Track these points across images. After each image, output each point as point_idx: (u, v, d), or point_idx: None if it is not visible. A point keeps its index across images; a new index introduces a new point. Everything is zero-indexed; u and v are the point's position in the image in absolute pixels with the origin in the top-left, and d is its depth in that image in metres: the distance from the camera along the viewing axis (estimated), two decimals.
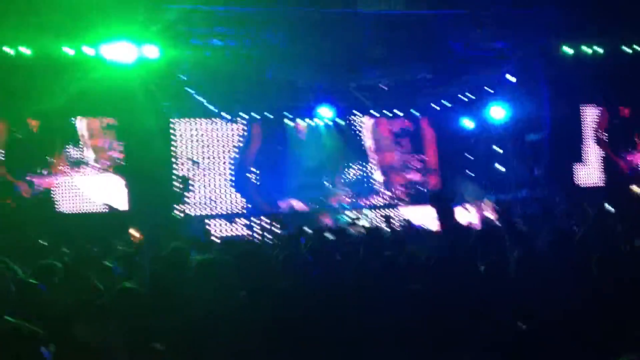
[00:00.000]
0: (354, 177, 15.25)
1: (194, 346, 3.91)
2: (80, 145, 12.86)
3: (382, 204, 15.25)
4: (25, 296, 4.48)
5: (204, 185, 14.16)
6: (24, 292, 4.55)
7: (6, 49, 10.50)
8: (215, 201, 14.19)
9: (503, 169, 15.21)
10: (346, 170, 15.11)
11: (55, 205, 12.60)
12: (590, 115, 15.26)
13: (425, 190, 15.65)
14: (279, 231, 12.11)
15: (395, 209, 14.87)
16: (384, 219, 14.12)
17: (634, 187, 10.80)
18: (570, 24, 12.82)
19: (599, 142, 15.19)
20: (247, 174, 14.43)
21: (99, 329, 3.70)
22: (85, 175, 12.87)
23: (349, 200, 14.88)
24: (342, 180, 14.99)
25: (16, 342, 2.84)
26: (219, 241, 10.69)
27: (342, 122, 15.25)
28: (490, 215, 14.69)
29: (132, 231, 11.13)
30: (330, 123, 15.13)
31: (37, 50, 10.58)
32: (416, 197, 15.35)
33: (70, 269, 5.37)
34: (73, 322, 3.72)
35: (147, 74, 11.23)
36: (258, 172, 14.45)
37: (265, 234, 12.61)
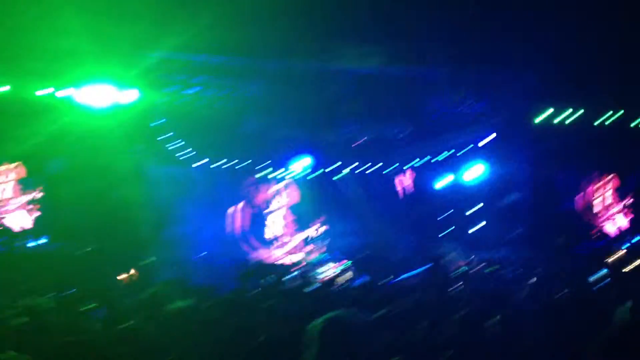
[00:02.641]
0: (329, 230, 15.08)
1: None
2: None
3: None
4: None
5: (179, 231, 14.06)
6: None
7: None
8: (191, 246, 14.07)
9: (478, 227, 15.19)
10: (320, 223, 14.95)
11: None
12: (573, 179, 15.31)
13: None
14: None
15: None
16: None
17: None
18: (550, 89, 12.98)
19: (584, 206, 15.18)
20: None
21: None
22: None
23: (322, 254, 14.73)
24: (316, 233, 14.85)
25: None
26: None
27: (317, 175, 15.21)
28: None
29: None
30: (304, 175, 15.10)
31: (10, 92, 10.63)
32: None
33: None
34: None
35: (122, 118, 11.26)
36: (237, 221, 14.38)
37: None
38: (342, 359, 3.39)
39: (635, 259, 13.11)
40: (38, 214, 12.59)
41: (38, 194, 12.46)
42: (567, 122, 13.70)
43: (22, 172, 12.38)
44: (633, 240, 14.28)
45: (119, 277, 11.22)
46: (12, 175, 12.23)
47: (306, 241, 14.61)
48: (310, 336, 3.48)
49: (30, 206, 12.47)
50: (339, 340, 3.41)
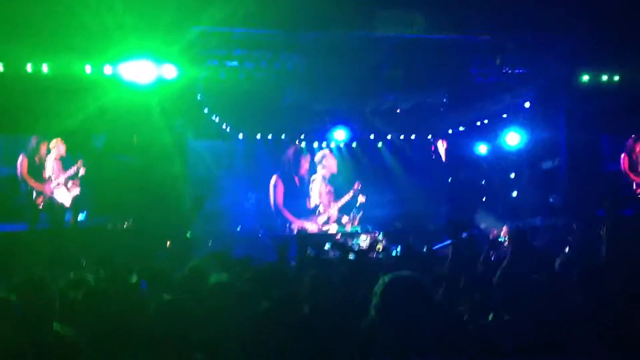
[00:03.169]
0: (367, 200, 15.04)
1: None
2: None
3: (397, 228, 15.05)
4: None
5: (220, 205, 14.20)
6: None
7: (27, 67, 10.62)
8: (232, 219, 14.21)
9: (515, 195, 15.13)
10: (357, 193, 14.90)
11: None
12: (612, 143, 15.09)
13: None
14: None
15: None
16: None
17: None
18: (589, 52, 12.80)
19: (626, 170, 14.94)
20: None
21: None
22: None
23: (360, 224, 14.71)
24: (354, 204, 14.81)
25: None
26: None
27: (355, 145, 15.23)
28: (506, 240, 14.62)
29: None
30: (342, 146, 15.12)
31: (55, 69, 10.68)
32: None
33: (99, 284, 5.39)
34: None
35: (163, 94, 11.31)
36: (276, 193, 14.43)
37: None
38: (405, 317, 3.48)
39: None
40: (79, 190, 12.69)
41: (81, 171, 12.53)
42: (608, 85, 13.47)
43: (65, 148, 12.48)
44: None
45: (159, 251, 11.35)
46: (55, 152, 12.30)
47: (344, 212, 14.59)
48: (374, 295, 3.61)
49: (74, 182, 12.58)
50: (402, 298, 3.50)
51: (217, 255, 10.14)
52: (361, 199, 14.41)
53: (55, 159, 12.37)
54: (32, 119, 11.31)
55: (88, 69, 10.76)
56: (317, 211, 14.33)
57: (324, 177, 14.36)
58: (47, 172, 12.24)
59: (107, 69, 10.79)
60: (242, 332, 4.21)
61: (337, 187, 14.65)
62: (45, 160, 12.14)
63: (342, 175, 14.86)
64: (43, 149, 12.11)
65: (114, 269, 7.12)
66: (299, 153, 14.52)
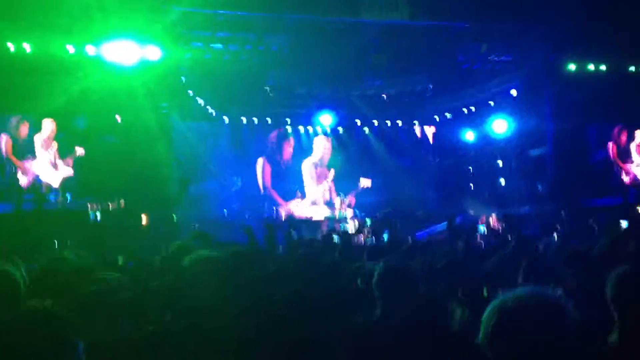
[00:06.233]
0: (352, 186, 15.03)
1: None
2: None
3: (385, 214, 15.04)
4: None
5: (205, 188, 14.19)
6: None
7: (9, 44, 10.56)
8: (217, 203, 14.20)
9: (503, 183, 15.13)
10: (344, 179, 14.89)
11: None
12: (599, 132, 15.08)
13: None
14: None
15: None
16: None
17: None
18: (576, 41, 12.78)
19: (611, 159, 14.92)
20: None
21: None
22: None
23: (349, 209, 14.70)
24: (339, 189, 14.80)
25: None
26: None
27: (342, 130, 15.23)
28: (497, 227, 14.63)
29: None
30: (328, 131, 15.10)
31: (37, 49, 10.62)
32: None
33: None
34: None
35: (147, 76, 11.26)
36: (262, 177, 14.43)
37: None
38: (403, 303, 3.51)
39: None
40: (64, 171, 12.68)
41: (79, 151, 12.58)
42: (595, 73, 13.46)
43: (49, 129, 12.46)
44: None
45: (143, 233, 11.32)
46: (46, 131, 12.34)
47: (329, 197, 14.62)
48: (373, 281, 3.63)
49: (65, 162, 12.58)
50: (398, 284, 3.57)
51: (200, 235, 10.14)
52: (366, 182, 14.44)
53: (49, 137, 12.42)
54: (14, 99, 11.26)
55: (70, 49, 10.67)
56: (304, 196, 14.35)
57: (310, 162, 14.41)
58: (37, 151, 12.27)
59: (90, 49, 10.71)
60: (224, 314, 4.15)
61: (323, 171, 14.67)
62: (23, 140, 12.12)
63: (328, 160, 14.87)
64: (24, 129, 12.13)
65: (95, 251, 7.11)
66: (282, 137, 14.54)
